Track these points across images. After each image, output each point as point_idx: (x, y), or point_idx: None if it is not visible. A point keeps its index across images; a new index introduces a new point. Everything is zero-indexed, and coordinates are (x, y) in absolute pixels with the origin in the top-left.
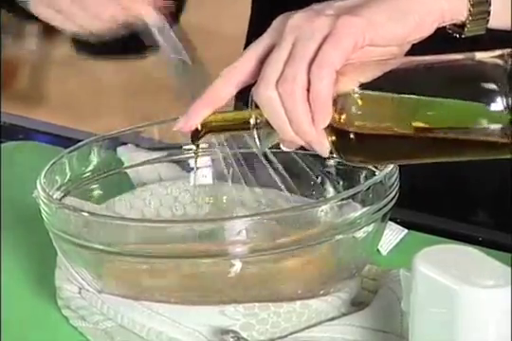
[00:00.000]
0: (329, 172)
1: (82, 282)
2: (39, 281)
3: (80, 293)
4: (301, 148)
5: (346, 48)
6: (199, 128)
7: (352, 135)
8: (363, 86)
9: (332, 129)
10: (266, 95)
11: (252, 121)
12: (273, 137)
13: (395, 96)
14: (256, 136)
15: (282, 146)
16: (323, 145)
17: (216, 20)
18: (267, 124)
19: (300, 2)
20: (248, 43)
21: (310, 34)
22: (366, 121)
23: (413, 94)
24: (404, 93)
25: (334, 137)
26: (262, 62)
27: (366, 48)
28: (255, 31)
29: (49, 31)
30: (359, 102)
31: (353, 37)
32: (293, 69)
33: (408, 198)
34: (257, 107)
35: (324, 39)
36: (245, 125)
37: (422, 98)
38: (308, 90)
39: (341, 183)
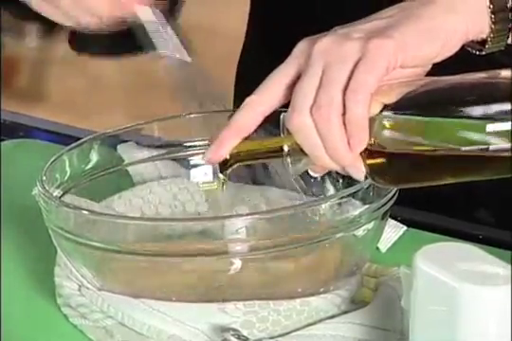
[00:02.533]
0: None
1: (81, 280)
2: (38, 279)
3: (79, 290)
4: (330, 171)
5: (380, 71)
6: (227, 157)
7: (384, 159)
8: (391, 108)
9: (365, 152)
10: (301, 121)
11: (286, 148)
12: (303, 163)
13: (423, 118)
14: (290, 164)
15: (310, 171)
16: (359, 169)
17: (217, 19)
18: (300, 150)
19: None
20: (247, 41)
21: (341, 59)
22: (397, 144)
23: (440, 115)
24: (431, 114)
25: (368, 161)
26: (288, 87)
27: (395, 70)
28: (254, 30)
29: (50, 29)
30: (388, 125)
31: (386, 60)
32: (328, 95)
33: (408, 196)
34: (288, 133)
35: (356, 63)
36: (276, 153)
37: (449, 119)
38: (343, 114)
39: (341, 180)
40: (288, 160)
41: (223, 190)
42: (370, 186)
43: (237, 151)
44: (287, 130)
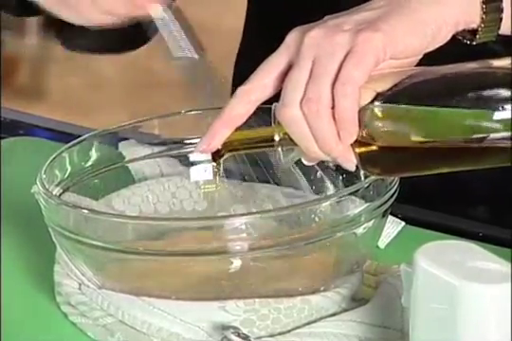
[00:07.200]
0: (328, 167)
1: (81, 278)
2: (38, 277)
3: (80, 288)
4: (329, 170)
5: (368, 65)
6: (220, 147)
7: (376, 149)
8: (383, 99)
9: (356, 143)
10: (291, 115)
11: (277, 138)
12: (296, 153)
13: (414, 108)
14: (281, 153)
15: (303, 160)
16: (350, 160)
17: (218, 16)
18: (291, 140)
19: None
20: (245, 38)
21: (331, 52)
22: (388, 134)
23: (431, 104)
24: (422, 104)
25: (358, 151)
26: (279, 77)
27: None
28: (251, 29)
29: (49, 27)
30: (380, 116)
31: (375, 53)
32: (317, 88)
33: (408, 193)
34: (279, 123)
35: (345, 56)
36: (267, 142)
37: (440, 108)
38: (332, 107)
39: (340, 178)
40: (280, 150)
41: (216, 180)
42: (370, 184)
43: (229, 140)
44: (278, 121)
